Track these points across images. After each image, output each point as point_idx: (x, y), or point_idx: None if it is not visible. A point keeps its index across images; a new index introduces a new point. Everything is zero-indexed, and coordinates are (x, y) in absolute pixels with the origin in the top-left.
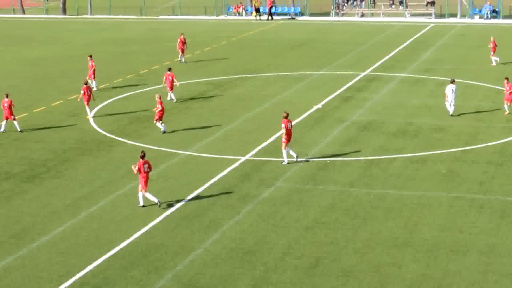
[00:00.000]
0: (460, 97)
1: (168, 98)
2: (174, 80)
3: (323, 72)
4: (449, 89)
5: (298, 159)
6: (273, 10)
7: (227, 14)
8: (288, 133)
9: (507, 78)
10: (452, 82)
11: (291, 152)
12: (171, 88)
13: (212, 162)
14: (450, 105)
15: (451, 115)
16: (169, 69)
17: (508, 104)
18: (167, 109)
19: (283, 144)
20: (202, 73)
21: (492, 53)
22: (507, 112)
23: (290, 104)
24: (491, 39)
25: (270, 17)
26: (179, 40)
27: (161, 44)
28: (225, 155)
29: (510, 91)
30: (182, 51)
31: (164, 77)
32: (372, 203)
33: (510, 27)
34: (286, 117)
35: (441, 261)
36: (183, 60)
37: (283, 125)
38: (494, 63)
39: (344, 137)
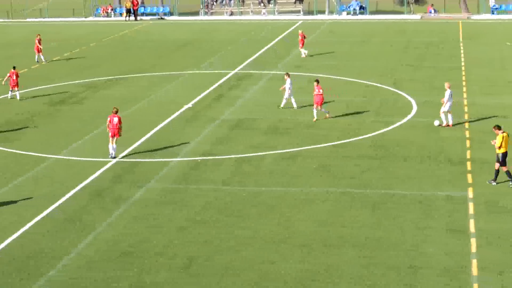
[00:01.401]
0: (328, 92)
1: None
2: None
3: (193, 71)
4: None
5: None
6: (141, 10)
7: (96, 16)
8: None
9: (317, 80)
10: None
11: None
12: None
13: (83, 165)
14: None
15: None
16: (14, 67)
17: (319, 108)
18: (37, 112)
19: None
20: (72, 75)
21: (300, 45)
22: (315, 118)
23: (160, 104)
24: (299, 32)
25: (135, 18)
26: (36, 40)
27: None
28: (97, 158)
29: (319, 93)
30: (39, 51)
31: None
32: (246, 200)
33: (377, 22)
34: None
35: (318, 256)
36: (42, 60)
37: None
38: (303, 55)
39: (215, 136)
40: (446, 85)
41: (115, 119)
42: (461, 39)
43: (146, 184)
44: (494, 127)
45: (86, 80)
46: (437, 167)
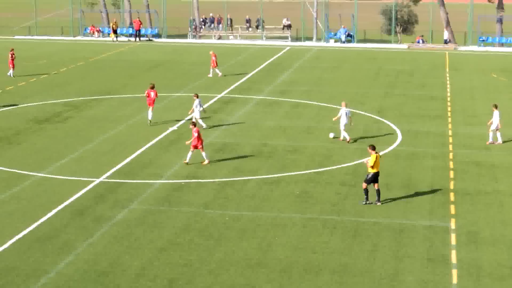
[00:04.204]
0: (314, 118)
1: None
2: None
3: (180, 94)
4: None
5: None
6: (143, 31)
7: (84, 35)
8: None
9: (193, 124)
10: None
11: None
12: None
13: (66, 184)
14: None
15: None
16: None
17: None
18: (21, 129)
19: None
20: (58, 94)
21: (214, 65)
22: (187, 161)
23: (146, 125)
24: (211, 52)
25: (137, 38)
26: (10, 54)
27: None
28: (80, 177)
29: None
30: (13, 66)
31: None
32: (227, 224)
33: (364, 51)
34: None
35: (295, 281)
36: (12, 75)
37: None
38: (213, 75)
39: (199, 158)
40: (343, 103)
41: (152, 93)
42: (447, 70)
43: (129, 205)
44: (369, 147)
45: (71, 99)
46: (419, 196)
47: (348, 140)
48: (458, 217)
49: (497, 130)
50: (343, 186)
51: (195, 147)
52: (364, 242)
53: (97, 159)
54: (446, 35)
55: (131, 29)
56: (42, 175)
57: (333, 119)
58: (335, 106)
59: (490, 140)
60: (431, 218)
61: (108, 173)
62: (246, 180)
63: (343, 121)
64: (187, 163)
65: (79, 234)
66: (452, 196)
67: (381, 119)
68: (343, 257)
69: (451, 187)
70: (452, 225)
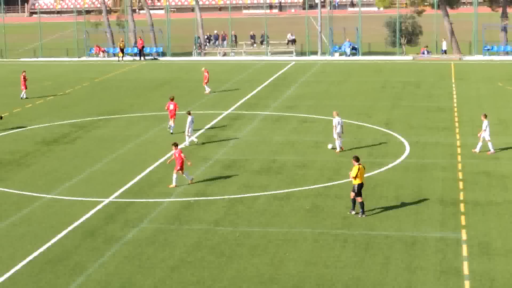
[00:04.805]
0: (322, 132)
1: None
2: None
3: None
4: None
5: None
6: (147, 50)
7: (89, 56)
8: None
9: (175, 144)
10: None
11: None
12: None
13: (76, 205)
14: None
15: None
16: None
17: (179, 173)
18: (29, 151)
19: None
20: (65, 115)
21: (205, 81)
22: (174, 185)
23: (154, 144)
24: (203, 69)
25: (141, 57)
26: (22, 76)
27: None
28: (89, 197)
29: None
30: (25, 87)
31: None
32: (238, 240)
33: (369, 63)
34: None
35: None
36: (24, 96)
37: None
38: (207, 91)
39: (208, 176)
40: (334, 113)
41: (171, 105)
42: (453, 80)
43: (139, 224)
44: (352, 158)
45: (79, 120)
46: (429, 208)
47: (338, 150)
48: (470, 228)
49: (488, 140)
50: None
51: (180, 169)
52: (376, 255)
53: (106, 179)
54: (444, 45)
55: (136, 48)
56: (52, 196)
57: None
58: (342, 120)
59: (477, 149)
60: (442, 230)
61: (117, 193)
62: (256, 196)
63: (337, 130)
64: (174, 186)
65: (90, 255)
66: (462, 207)
67: (388, 131)
68: (356, 270)
69: (462, 198)
70: (464, 236)
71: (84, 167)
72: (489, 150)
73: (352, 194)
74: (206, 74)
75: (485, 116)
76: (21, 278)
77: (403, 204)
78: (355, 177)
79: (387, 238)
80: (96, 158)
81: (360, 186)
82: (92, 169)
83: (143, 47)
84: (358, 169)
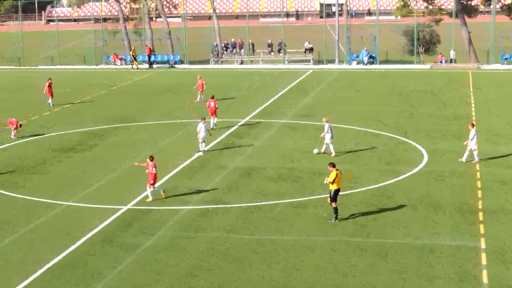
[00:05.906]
0: (336, 140)
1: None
2: None
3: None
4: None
5: None
6: (152, 58)
7: (107, 63)
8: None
9: (151, 157)
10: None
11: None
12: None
13: (93, 212)
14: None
15: None
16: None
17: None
18: (47, 158)
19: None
20: (82, 122)
21: (200, 90)
22: (150, 199)
23: (171, 151)
24: (198, 76)
25: (150, 65)
26: (47, 84)
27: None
28: (107, 205)
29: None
30: (52, 95)
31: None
32: (253, 248)
33: (387, 72)
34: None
35: None
36: (51, 104)
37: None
38: (198, 100)
39: (225, 183)
40: (324, 120)
41: (212, 103)
42: (471, 89)
43: (156, 231)
44: (329, 164)
45: (96, 128)
46: (446, 216)
47: (333, 154)
48: (487, 236)
49: (474, 150)
50: (369, 208)
51: (152, 183)
52: (391, 263)
53: (123, 187)
54: (452, 54)
55: (153, 56)
56: (70, 203)
57: (321, 135)
58: (360, 128)
59: (464, 159)
60: (460, 238)
61: (135, 200)
62: (273, 204)
63: (328, 135)
64: (152, 200)
65: (108, 262)
66: (480, 215)
67: (406, 140)
68: (372, 278)
69: (479, 206)
70: (482, 244)
71: (101, 175)
72: (474, 159)
73: (334, 203)
74: (201, 82)
75: (473, 125)
76: (39, 285)
77: (420, 212)
78: (332, 182)
79: (403, 246)
80: (113, 165)
81: (337, 191)
82: (110, 176)
83: (149, 55)
84: (336, 175)
